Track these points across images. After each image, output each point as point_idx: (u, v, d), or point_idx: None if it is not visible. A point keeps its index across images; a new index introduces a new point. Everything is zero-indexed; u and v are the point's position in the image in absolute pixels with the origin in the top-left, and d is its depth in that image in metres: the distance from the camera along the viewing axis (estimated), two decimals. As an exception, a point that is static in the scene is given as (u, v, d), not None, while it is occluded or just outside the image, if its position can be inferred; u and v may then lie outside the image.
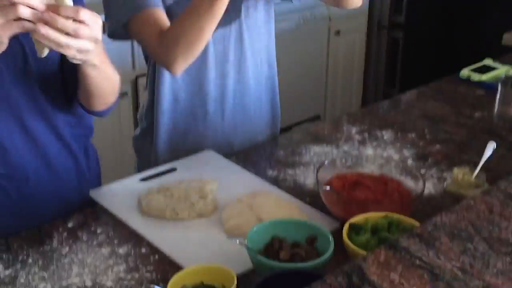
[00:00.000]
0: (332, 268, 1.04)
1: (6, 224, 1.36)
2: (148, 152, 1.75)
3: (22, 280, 1.20)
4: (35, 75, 1.32)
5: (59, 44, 1.08)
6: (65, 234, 1.33)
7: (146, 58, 1.73)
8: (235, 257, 1.21)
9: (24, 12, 1.05)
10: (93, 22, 1.10)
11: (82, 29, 1.09)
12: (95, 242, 1.31)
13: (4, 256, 1.26)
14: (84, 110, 1.42)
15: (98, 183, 1.55)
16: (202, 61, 1.63)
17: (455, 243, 0.98)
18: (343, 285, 0.90)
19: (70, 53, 1.11)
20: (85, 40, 1.10)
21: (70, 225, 1.36)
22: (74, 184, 1.46)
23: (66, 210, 1.42)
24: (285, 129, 1.90)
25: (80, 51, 1.12)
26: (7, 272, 1.22)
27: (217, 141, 1.74)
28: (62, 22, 1.07)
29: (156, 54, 1.51)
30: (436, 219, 1.05)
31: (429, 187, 1.50)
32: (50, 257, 1.26)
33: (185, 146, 1.72)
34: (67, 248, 1.29)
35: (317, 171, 1.41)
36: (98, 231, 1.35)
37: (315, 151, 1.69)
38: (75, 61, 1.16)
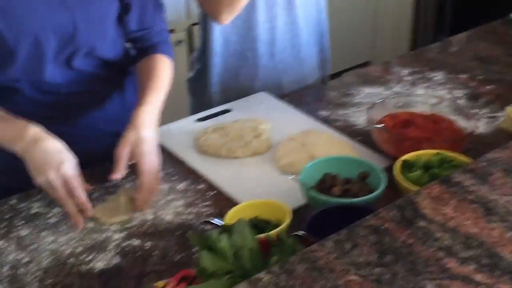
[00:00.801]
0: (383, 205, 1.02)
1: None
2: (201, 93, 1.74)
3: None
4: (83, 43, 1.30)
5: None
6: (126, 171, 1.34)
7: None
8: (288, 193, 1.20)
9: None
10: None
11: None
12: (155, 179, 1.31)
13: (70, 191, 1.27)
14: None
15: None
16: (251, 3, 1.60)
17: (510, 178, 0.94)
18: (395, 219, 0.87)
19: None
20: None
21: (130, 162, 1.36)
22: (120, 119, 1.42)
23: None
24: (334, 76, 1.87)
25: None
26: (74, 206, 1.24)
27: (267, 83, 1.72)
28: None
29: (203, 6, 1.52)
30: (490, 155, 1.00)
31: (481, 126, 1.45)
32: (112, 192, 1.27)
33: (236, 88, 1.71)
34: (128, 185, 1.30)
35: (369, 110, 1.38)
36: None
37: (366, 92, 1.65)
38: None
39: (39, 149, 1.13)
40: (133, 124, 1.23)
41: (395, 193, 1.16)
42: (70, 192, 1.14)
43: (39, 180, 1.14)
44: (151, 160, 1.21)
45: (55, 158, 1.13)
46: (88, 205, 1.16)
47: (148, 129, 1.23)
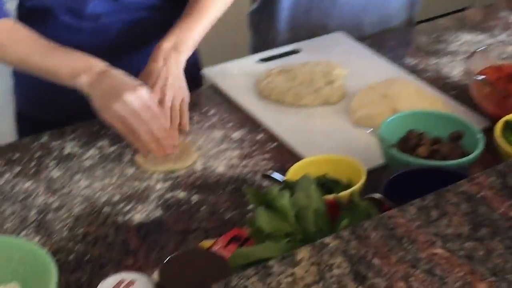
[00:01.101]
0: (477, 172, 0.98)
1: None
2: (266, 29, 1.72)
3: (127, 158, 1.22)
4: None
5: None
6: (175, 113, 1.33)
7: None
8: (364, 150, 1.18)
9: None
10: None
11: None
12: (207, 124, 1.31)
13: (109, 132, 1.27)
14: None
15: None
16: None
17: None
18: (495, 186, 0.84)
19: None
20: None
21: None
22: None
23: None
24: (423, 22, 1.83)
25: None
26: (112, 148, 1.24)
27: (344, 21, 1.68)
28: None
29: None
30: None
31: None
32: (158, 136, 1.27)
33: (307, 25, 1.68)
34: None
35: (467, 60, 1.34)
36: (210, 112, 1.34)
37: (465, 39, 1.62)
38: None
39: (109, 77, 1.15)
40: (148, 62, 1.23)
41: (493, 159, 1.13)
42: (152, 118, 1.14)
43: (115, 106, 1.12)
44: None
45: (129, 82, 1.14)
46: (179, 129, 1.19)
47: (159, 62, 1.22)
